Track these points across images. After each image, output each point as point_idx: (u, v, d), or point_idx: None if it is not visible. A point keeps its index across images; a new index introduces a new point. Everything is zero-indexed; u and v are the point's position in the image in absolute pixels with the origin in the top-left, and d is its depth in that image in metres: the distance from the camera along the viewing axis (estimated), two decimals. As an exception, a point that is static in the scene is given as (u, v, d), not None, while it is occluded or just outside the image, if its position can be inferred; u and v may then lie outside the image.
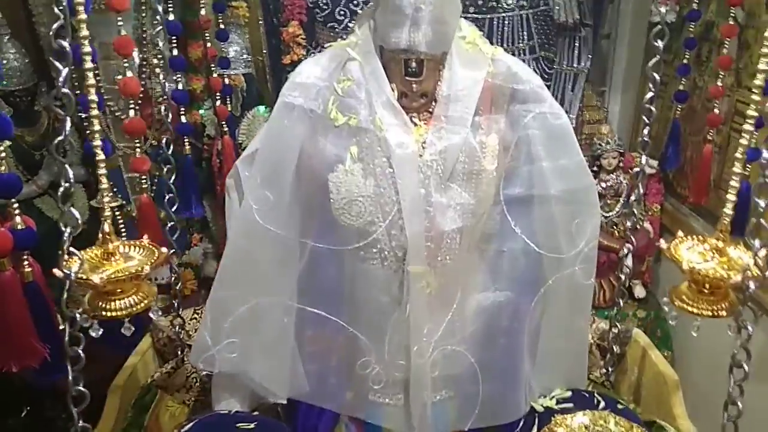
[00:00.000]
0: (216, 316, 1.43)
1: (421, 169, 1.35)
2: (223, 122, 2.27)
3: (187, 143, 1.87)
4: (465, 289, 1.46)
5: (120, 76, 2.40)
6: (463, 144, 1.36)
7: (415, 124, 1.37)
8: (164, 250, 1.30)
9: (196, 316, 1.88)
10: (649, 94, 1.48)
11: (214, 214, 2.63)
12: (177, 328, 1.80)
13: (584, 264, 1.46)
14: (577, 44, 2.53)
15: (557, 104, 1.44)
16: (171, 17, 1.74)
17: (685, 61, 2.17)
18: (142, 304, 1.24)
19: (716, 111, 2.00)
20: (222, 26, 2.21)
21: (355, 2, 2.38)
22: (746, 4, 1.97)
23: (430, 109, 1.38)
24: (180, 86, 1.98)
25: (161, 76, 1.81)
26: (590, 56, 2.57)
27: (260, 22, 2.58)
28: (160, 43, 1.72)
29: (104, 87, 2.31)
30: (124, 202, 2.36)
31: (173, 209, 1.68)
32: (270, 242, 1.40)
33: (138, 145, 2.17)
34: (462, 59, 1.38)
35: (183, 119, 1.81)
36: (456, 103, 1.36)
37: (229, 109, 2.35)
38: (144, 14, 2.32)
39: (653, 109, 1.50)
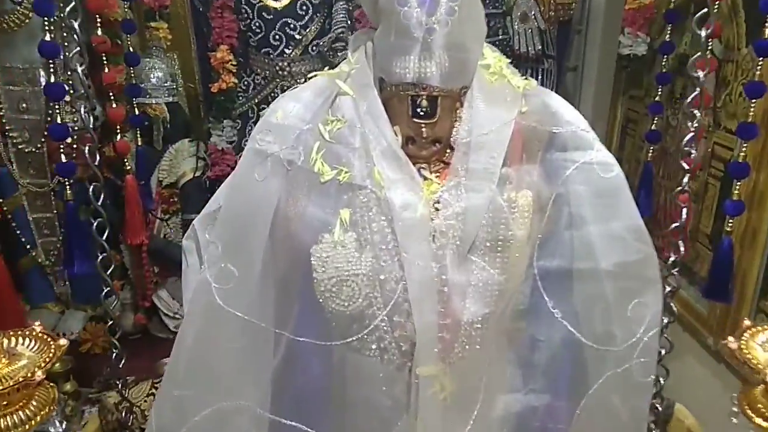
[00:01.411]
0: (164, 423, 1.13)
1: (434, 237, 1.05)
2: (125, 159, 1.97)
3: (68, 185, 1.56)
4: (489, 389, 1.14)
5: (24, 104, 2.21)
6: (488, 204, 1.05)
7: (425, 179, 1.08)
8: (63, 341, 1.00)
9: (153, 390, 1.60)
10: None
11: (132, 259, 2.33)
12: (124, 414, 1.50)
13: (644, 357, 1.14)
14: (539, 77, 2.32)
15: (607, 152, 1.11)
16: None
17: (657, 98, 1.96)
18: (34, 421, 0.93)
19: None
20: (131, 49, 1.93)
21: (291, 26, 2.12)
22: (723, 36, 1.76)
23: (445, 159, 1.09)
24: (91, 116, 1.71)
25: (80, 105, 1.56)
26: (554, 91, 2.34)
27: (192, 46, 2.34)
28: (78, 68, 1.45)
29: (6, 116, 2.02)
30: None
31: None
32: (234, 331, 1.10)
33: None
34: (486, 95, 1.08)
35: (63, 158, 1.50)
36: (479, 151, 1.06)
37: (139, 142, 2.05)
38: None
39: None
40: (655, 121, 1.98)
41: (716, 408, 1.08)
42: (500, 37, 2.23)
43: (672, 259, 1.55)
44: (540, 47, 2.25)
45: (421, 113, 1.04)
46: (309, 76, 1.16)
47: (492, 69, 1.11)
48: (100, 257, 1.49)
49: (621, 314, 1.11)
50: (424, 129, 1.05)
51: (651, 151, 2.00)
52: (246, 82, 2.21)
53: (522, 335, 1.15)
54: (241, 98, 2.22)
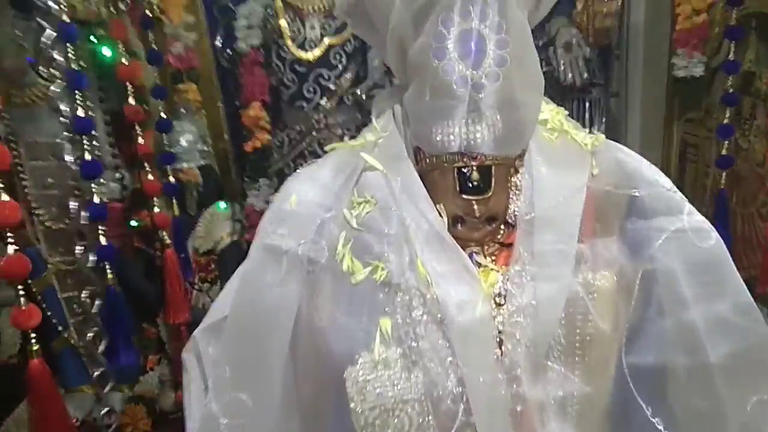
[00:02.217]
0: None
1: (500, 342, 0.84)
2: (163, 232, 1.85)
3: (109, 269, 1.43)
4: None
5: (50, 179, 2.12)
6: (565, 294, 0.84)
7: (480, 266, 0.87)
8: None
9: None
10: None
11: (169, 333, 2.20)
12: None
13: None
14: (588, 106, 2.20)
15: (700, 215, 0.90)
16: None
17: (726, 120, 1.82)
18: None
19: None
20: (163, 115, 1.83)
21: (325, 77, 2.02)
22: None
23: (499, 238, 0.89)
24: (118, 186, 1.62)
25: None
26: (604, 119, 2.23)
27: (219, 105, 2.25)
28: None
29: (32, 193, 1.93)
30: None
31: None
32: None
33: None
34: (548, 157, 0.89)
35: (103, 240, 1.38)
36: (547, 228, 0.86)
37: (175, 212, 1.94)
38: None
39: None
40: (726, 146, 1.84)
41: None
42: (544, 69, 2.12)
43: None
44: (586, 75, 2.13)
45: (472, 188, 0.85)
46: (327, 148, 0.97)
47: (550, 124, 0.92)
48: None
49: (739, 418, 0.88)
50: (476, 206, 0.86)
51: (723, 176, 1.87)
52: (280, 138, 2.11)
53: None
54: (276, 155, 2.13)
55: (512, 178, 0.88)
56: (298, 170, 0.97)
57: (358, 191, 0.89)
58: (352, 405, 0.84)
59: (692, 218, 0.88)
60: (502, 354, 0.84)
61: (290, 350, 0.89)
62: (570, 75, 2.12)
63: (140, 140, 1.70)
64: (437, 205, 0.86)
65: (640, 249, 0.89)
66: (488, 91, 0.81)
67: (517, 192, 0.88)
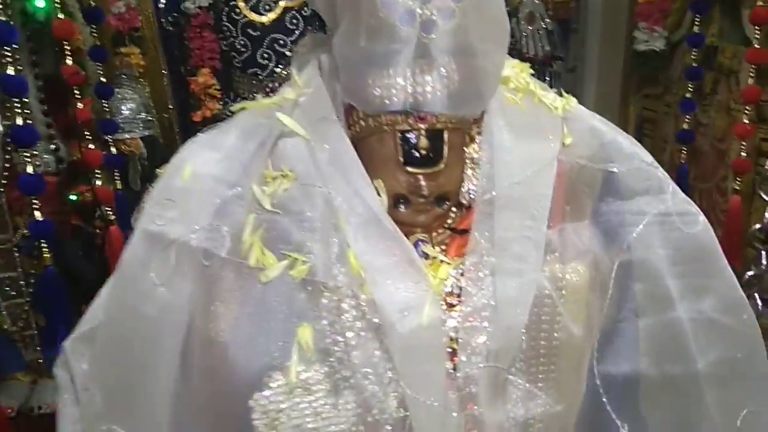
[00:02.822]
0: None
1: (452, 352, 0.70)
2: (107, 208, 1.71)
3: (45, 247, 1.30)
4: None
5: None
6: (532, 291, 0.70)
7: (427, 257, 0.72)
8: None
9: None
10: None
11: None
12: None
13: None
14: (548, 80, 2.17)
15: (684, 195, 0.78)
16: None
17: (688, 95, 1.82)
18: None
19: (743, 154, 1.62)
20: (103, 79, 1.68)
21: (281, 42, 1.90)
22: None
23: (451, 222, 0.73)
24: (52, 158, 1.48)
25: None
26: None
27: (164, 71, 2.10)
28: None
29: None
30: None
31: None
32: None
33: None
34: (511, 122, 0.73)
35: (38, 215, 1.24)
36: (510, 210, 0.71)
37: (117, 186, 1.80)
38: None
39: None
40: (687, 120, 1.84)
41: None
42: (508, 40, 2.07)
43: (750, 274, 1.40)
44: (548, 48, 2.10)
45: (419, 158, 0.68)
46: (233, 108, 0.77)
47: (513, 83, 0.76)
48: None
49: None
50: (423, 182, 0.69)
51: (681, 152, 1.87)
52: (232, 108, 1.97)
53: None
54: (226, 126, 1.98)
55: (468, 149, 0.72)
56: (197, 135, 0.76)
57: (273, 163, 0.71)
58: None
59: (677, 199, 0.76)
60: (454, 368, 0.69)
61: (180, 371, 0.70)
62: (532, 47, 2.08)
63: (79, 105, 1.54)
64: (374, 181, 0.70)
65: (616, 236, 0.75)
66: (441, 32, 0.64)
67: (473, 166, 0.72)
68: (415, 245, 0.71)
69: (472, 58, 0.67)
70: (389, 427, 0.68)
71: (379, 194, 0.69)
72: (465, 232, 0.72)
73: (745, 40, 1.62)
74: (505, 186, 0.71)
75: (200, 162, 0.71)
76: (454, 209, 0.73)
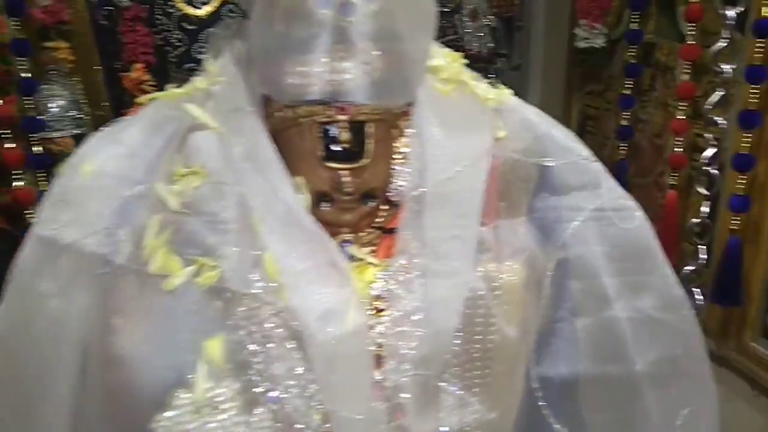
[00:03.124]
0: None
1: (378, 361, 0.66)
2: (29, 210, 1.63)
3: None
4: None
5: None
6: (465, 293, 0.66)
7: (354, 259, 0.68)
8: None
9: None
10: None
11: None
12: None
13: None
14: (491, 78, 2.16)
15: (621, 188, 0.77)
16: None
17: (627, 91, 1.84)
18: None
19: (678, 150, 1.64)
20: (26, 75, 1.59)
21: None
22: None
23: (380, 222, 0.70)
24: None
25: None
26: (507, 91, 2.21)
27: (97, 67, 2.02)
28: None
29: None
30: None
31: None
32: None
33: None
34: (442, 115, 0.70)
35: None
36: (441, 207, 0.67)
37: (42, 187, 1.71)
38: None
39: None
40: (626, 116, 1.86)
41: (723, 413, 0.83)
42: (449, 37, 2.05)
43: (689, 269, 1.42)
44: (492, 45, 2.10)
45: (341, 152, 0.64)
46: (140, 99, 0.72)
47: (445, 73, 0.72)
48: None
49: None
50: (347, 178, 0.65)
51: (621, 148, 1.89)
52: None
53: None
54: (163, 124, 1.91)
55: (396, 144, 0.68)
56: (99, 131, 0.71)
57: (183, 159, 0.65)
58: None
59: (613, 194, 0.75)
60: (381, 377, 0.65)
61: (79, 391, 0.64)
62: (475, 44, 2.07)
63: (-1, 102, 1.46)
64: (295, 178, 0.65)
65: (552, 233, 0.73)
66: (361, 15, 0.60)
67: (402, 161, 0.68)
68: (341, 246, 0.67)
69: (396, 44, 0.63)
70: None
71: (299, 192, 0.65)
72: (395, 231, 0.69)
73: (681, 36, 1.64)
74: (435, 182, 0.67)
75: (101, 159, 0.66)
76: (384, 207, 0.69)
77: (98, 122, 2.08)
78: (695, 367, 0.77)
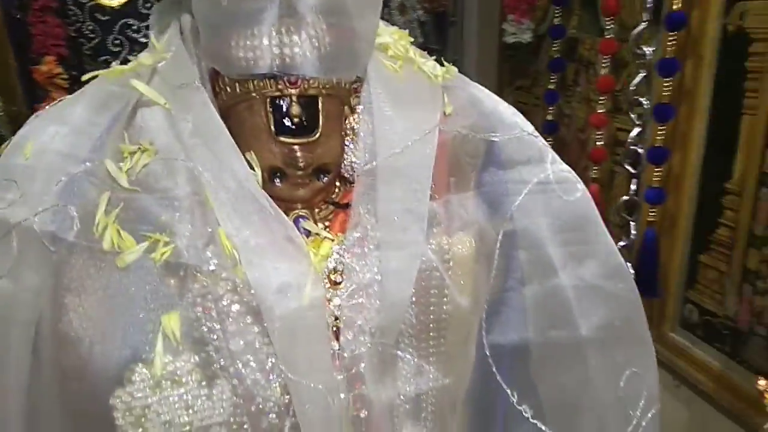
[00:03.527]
0: None
1: (335, 332, 0.66)
2: None
3: None
4: None
5: None
6: (417, 264, 0.67)
7: (309, 234, 0.68)
8: None
9: None
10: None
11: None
12: None
13: None
14: (422, 73, 2.15)
15: (563, 163, 0.78)
16: None
17: (551, 86, 1.85)
18: None
19: (599, 143, 1.65)
20: None
21: (134, 28, 1.78)
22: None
23: (334, 197, 0.71)
24: None
25: None
26: (438, 87, 2.20)
27: (11, 60, 1.93)
28: None
29: None
30: None
31: None
32: None
33: None
34: (392, 91, 0.71)
35: None
36: (392, 180, 0.68)
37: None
38: None
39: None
40: (550, 111, 1.87)
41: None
42: (378, 30, 2.03)
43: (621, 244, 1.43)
44: (421, 40, 2.08)
45: (292, 127, 0.64)
46: (84, 77, 0.70)
47: (392, 51, 0.74)
48: None
49: (611, 396, 0.78)
50: (299, 153, 0.65)
51: (548, 142, 1.90)
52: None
53: None
54: (79, 119, 1.84)
55: (347, 120, 0.69)
56: (42, 111, 0.69)
57: (130, 136, 0.64)
58: None
59: (556, 167, 0.75)
60: (339, 348, 0.66)
61: (32, 373, 0.63)
62: (405, 38, 2.06)
63: None
64: (246, 154, 0.65)
65: (500, 206, 0.74)
66: None
67: (354, 138, 0.69)
68: (295, 222, 0.67)
69: (344, 19, 0.63)
70: (273, 415, 0.64)
71: (252, 168, 0.65)
72: (349, 206, 0.69)
73: (602, 31, 1.65)
74: (386, 156, 0.68)
75: (45, 137, 0.64)
76: (337, 184, 0.71)
77: (12, 117, 2.00)
78: (636, 331, 0.80)
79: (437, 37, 2.24)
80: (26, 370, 0.64)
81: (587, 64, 1.80)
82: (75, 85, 1.83)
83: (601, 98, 1.63)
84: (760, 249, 1.28)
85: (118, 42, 1.78)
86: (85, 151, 0.64)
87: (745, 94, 1.29)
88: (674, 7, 1.35)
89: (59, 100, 0.70)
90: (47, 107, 0.69)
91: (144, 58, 0.69)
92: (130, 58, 1.78)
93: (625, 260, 1.53)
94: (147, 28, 1.79)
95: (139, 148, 0.64)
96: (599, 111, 1.63)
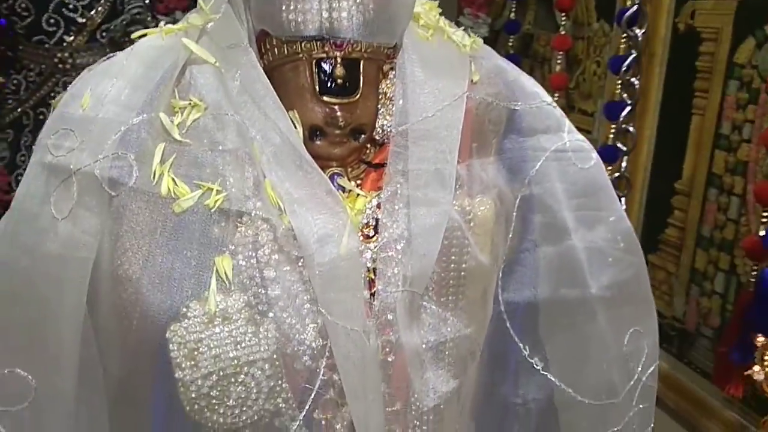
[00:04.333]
0: None
1: (369, 281, 0.71)
2: None
3: None
4: None
5: None
6: (445, 221, 0.71)
7: (344, 191, 0.72)
8: None
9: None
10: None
11: None
12: None
13: (643, 403, 0.86)
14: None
15: (578, 133, 0.81)
16: None
17: (506, 81, 1.82)
18: None
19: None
20: None
21: (70, 7, 1.69)
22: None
23: (366, 157, 0.75)
24: None
25: None
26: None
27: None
28: None
29: None
30: None
31: None
32: None
33: None
34: (424, 58, 0.74)
35: None
36: (423, 142, 0.72)
37: None
38: None
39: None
40: (505, 107, 1.85)
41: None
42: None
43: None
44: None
45: (335, 87, 0.68)
46: (135, 35, 0.74)
47: (423, 20, 0.77)
48: None
49: (618, 352, 0.83)
50: (340, 113, 0.68)
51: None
52: (16, 81, 1.74)
53: (487, 399, 0.83)
54: (10, 101, 1.75)
55: (381, 85, 0.72)
56: (93, 66, 0.72)
57: (181, 92, 0.68)
58: (178, 374, 0.64)
59: (572, 136, 0.79)
60: (372, 296, 0.70)
61: (89, 311, 0.67)
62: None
63: None
64: (289, 112, 0.68)
65: (519, 171, 0.78)
66: None
67: (386, 102, 0.72)
68: (331, 178, 0.71)
69: None
70: (307, 358, 0.68)
71: (295, 124, 0.68)
72: (380, 166, 0.73)
73: (557, 27, 1.64)
74: (418, 120, 0.72)
75: (100, 90, 0.68)
76: (368, 145, 0.74)
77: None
78: (641, 292, 0.85)
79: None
80: (82, 309, 0.67)
81: (542, 61, 1.78)
82: (7, 66, 1.73)
83: (555, 96, 1.60)
84: (707, 250, 1.28)
85: (53, 22, 1.69)
86: (141, 104, 0.67)
87: (695, 94, 1.29)
88: (626, 2, 1.33)
89: (108, 57, 0.73)
90: (97, 64, 0.73)
91: (193, 18, 0.72)
92: (67, 38, 1.71)
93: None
94: (84, 7, 1.71)
95: (190, 103, 0.67)
96: (552, 108, 1.61)
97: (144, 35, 0.74)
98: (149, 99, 0.68)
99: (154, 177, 0.65)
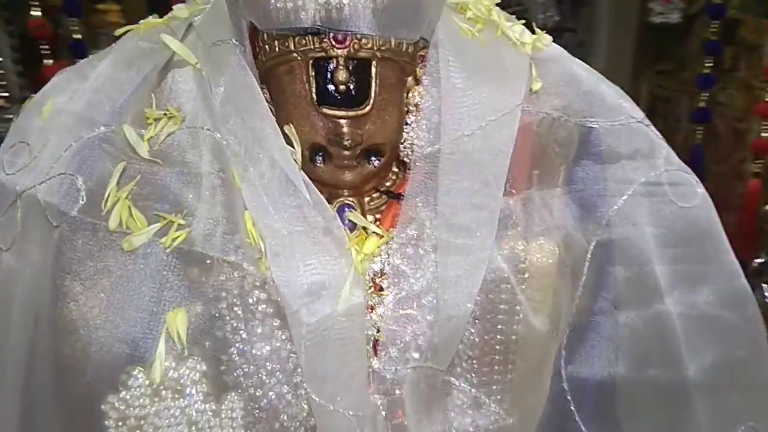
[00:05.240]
0: None
1: (376, 349, 0.55)
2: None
3: None
4: None
5: None
6: (482, 273, 0.55)
7: (355, 227, 0.57)
8: None
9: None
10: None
11: None
12: None
13: None
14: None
15: (679, 160, 0.63)
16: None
17: (706, 70, 1.71)
18: None
19: (764, 135, 1.52)
20: (78, 36, 1.56)
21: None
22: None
23: (388, 185, 0.60)
24: None
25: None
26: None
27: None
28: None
29: None
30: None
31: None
32: None
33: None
34: (466, 60, 0.58)
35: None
36: (459, 170, 0.55)
37: None
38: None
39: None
40: (703, 98, 1.73)
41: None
42: (515, 8, 1.95)
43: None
44: (558, 18, 1.98)
45: (338, 95, 0.53)
46: (118, 32, 0.61)
47: (471, 12, 0.60)
48: None
49: None
50: (345, 129, 0.53)
51: (697, 132, 1.76)
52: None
53: None
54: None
55: (410, 95, 0.57)
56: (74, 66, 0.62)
57: (158, 100, 0.55)
58: None
59: (671, 165, 0.62)
60: (379, 367, 0.55)
61: (28, 361, 0.56)
62: (540, 17, 1.97)
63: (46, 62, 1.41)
64: (285, 127, 0.54)
65: (594, 208, 0.61)
66: None
67: (416, 114, 0.57)
68: (339, 211, 0.56)
69: None
70: None
71: (291, 144, 0.54)
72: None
73: (769, 12, 1.51)
74: (453, 139, 0.55)
75: (64, 97, 0.57)
76: (394, 169, 0.58)
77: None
78: (758, 376, 0.65)
79: (573, 16, 2.13)
80: (26, 351, 0.57)
81: (750, 48, 1.65)
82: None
83: (769, 89, 1.49)
84: None
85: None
86: (102, 114, 0.55)
87: None
88: None
89: (91, 57, 0.62)
90: (73, 66, 0.61)
91: (179, 10, 0.60)
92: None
93: (763, 279, 1.39)
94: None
95: (165, 114, 0.54)
96: (766, 100, 1.49)
97: (128, 30, 0.61)
98: (116, 108, 0.56)
99: (106, 204, 0.53)
